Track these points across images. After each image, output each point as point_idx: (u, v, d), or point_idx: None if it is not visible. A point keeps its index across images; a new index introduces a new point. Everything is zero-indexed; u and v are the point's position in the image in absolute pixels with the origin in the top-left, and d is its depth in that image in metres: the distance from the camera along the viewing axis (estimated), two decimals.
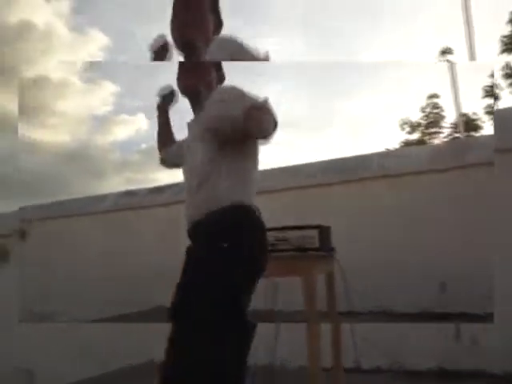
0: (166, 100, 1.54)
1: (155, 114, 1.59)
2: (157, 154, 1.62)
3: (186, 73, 1.33)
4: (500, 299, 2.56)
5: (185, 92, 1.36)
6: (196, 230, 1.25)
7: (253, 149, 1.28)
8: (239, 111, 1.07)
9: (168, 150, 1.56)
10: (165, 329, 1.18)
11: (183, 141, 1.47)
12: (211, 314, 1.08)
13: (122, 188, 6.12)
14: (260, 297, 2.04)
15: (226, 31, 1.40)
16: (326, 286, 2.02)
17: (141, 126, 23.96)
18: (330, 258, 1.96)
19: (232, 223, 1.19)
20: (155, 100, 1.57)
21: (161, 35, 1.40)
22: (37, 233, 5.38)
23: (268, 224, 1.80)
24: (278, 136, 1.18)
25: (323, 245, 1.83)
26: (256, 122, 1.07)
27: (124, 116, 25.20)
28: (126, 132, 24.69)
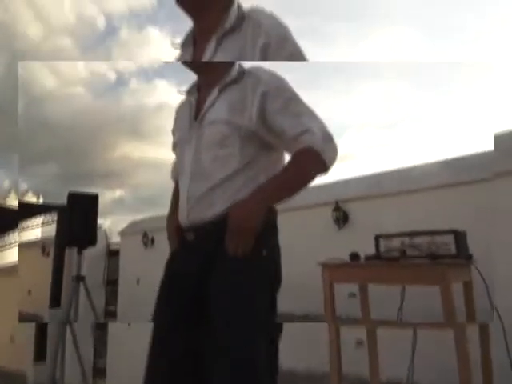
0: None
1: None
2: None
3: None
4: None
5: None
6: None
7: None
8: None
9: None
10: None
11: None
12: None
13: None
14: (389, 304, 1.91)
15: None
16: (464, 297, 1.84)
17: None
18: (468, 266, 1.78)
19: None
20: None
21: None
22: None
23: (397, 228, 1.69)
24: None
25: (460, 251, 1.65)
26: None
27: None
28: None
